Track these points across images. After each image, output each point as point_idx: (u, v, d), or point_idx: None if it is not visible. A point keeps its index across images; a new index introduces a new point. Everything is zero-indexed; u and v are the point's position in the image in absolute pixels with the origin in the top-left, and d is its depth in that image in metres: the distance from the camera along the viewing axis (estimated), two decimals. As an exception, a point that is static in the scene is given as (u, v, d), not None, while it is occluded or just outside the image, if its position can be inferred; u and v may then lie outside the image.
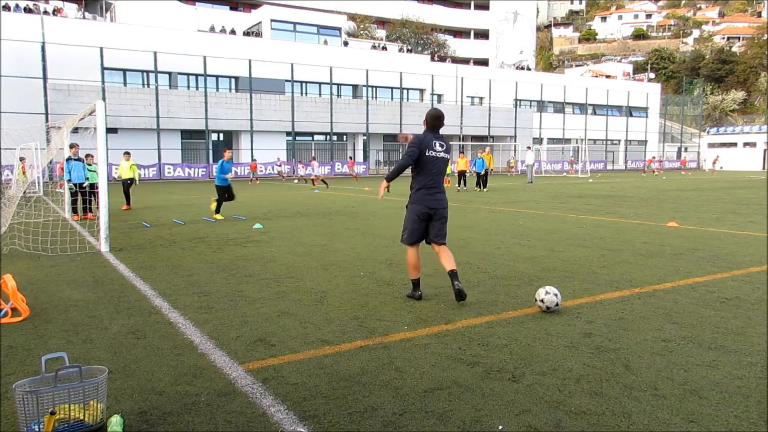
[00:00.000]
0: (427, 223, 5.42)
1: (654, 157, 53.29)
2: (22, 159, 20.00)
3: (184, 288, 6.01)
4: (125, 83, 37.59)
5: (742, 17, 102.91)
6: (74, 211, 13.14)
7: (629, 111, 59.24)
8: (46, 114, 31.66)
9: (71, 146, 13.12)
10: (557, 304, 4.97)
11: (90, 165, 13.40)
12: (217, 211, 12.81)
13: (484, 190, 22.97)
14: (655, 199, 18.33)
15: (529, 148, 32.99)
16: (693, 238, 9.49)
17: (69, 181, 13.07)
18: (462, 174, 23.48)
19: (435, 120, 5.48)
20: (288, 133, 40.10)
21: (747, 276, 6.47)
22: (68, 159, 13.08)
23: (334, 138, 42.44)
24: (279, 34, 44.48)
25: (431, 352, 4.01)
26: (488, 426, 2.92)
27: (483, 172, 23.12)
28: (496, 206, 15.72)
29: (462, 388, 3.39)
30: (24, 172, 19.25)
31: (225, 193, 12.98)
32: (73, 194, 13.07)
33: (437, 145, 5.39)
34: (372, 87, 45.12)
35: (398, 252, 8.14)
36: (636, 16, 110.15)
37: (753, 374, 3.58)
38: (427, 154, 5.35)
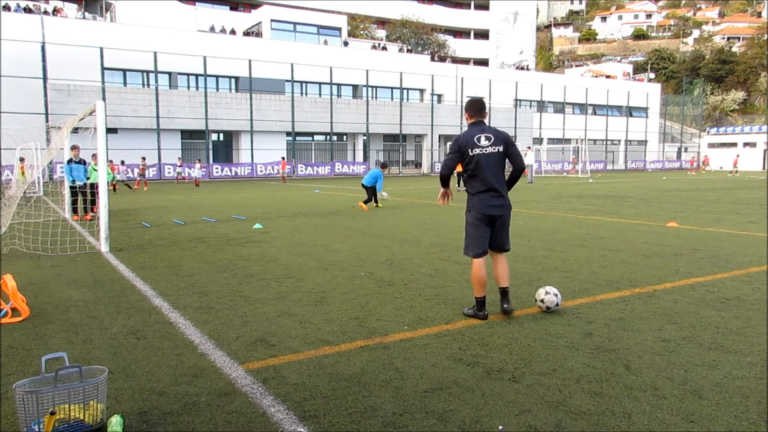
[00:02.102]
0: (490, 231, 4.81)
1: (693, 158, 55.37)
2: (22, 159, 19.99)
3: (184, 288, 6.01)
4: (125, 83, 37.59)
5: (742, 17, 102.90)
6: (74, 211, 13.13)
7: (629, 111, 59.25)
8: (46, 114, 31.66)
9: (72, 148, 13.05)
10: (557, 304, 4.97)
11: (95, 165, 13.32)
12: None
13: None
14: (655, 199, 18.33)
15: (529, 148, 33.02)
16: (693, 238, 9.49)
17: (73, 181, 12.97)
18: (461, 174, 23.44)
19: (473, 109, 4.84)
20: (288, 134, 40.10)
21: (747, 276, 6.47)
22: (69, 161, 13.03)
23: (334, 138, 42.45)
24: (279, 34, 44.49)
25: (431, 352, 4.01)
26: (488, 426, 2.92)
27: None
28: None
29: (462, 388, 3.39)
30: (23, 173, 19.25)
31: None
32: (74, 194, 13.05)
33: (483, 138, 4.70)
34: (372, 87, 45.12)
35: (398, 252, 8.14)
36: (636, 16, 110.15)
37: (753, 374, 3.58)
38: (471, 153, 4.69)
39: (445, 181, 5.06)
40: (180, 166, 33.30)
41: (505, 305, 4.80)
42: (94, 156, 13.24)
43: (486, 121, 4.93)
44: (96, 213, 10.12)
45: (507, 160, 4.82)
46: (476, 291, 4.79)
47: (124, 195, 21.49)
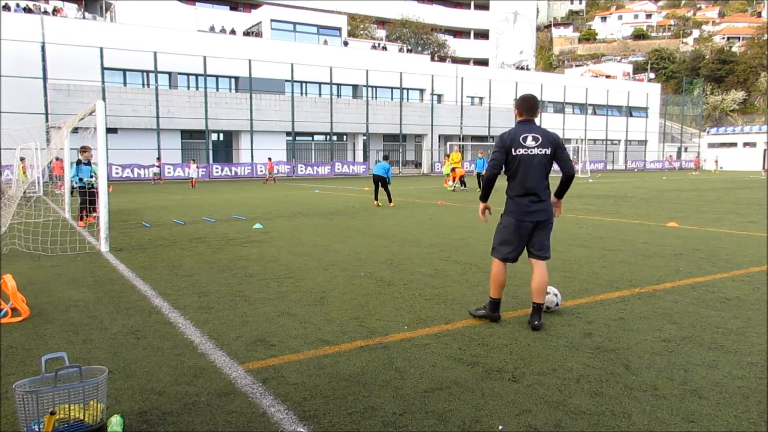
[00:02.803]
0: (527, 237, 4.53)
1: (697, 158, 55.79)
2: (22, 159, 19.99)
3: (184, 288, 6.01)
4: (125, 83, 37.59)
5: (742, 17, 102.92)
6: (80, 218, 12.20)
7: (629, 111, 59.25)
8: (46, 114, 31.66)
9: (84, 150, 12.45)
10: (557, 304, 4.97)
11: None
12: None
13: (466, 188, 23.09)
14: (655, 199, 18.33)
15: None
16: (693, 238, 9.49)
17: (81, 180, 12.46)
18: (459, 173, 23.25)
19: (524, 106, 4.49)
20: (288, 133, 40.10)
21: (747, 276, 6.47)
22: (78, 162, 12.62)
23: (334, 138, 42.45)
24: (279, 34, 44.49)
25: (431, 352, 4.01)
26: (488, 426, 2.92)
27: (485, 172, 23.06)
28: (496, 206, 15.70)
29: (462, 388, 3.39)
30: (24, 172, 19.25)
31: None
32: (83, 195, 12.42)
33: (530, 138, 4.40)
34: (372, 87, 45.11)
35: (398, 252, 8.14)
36: (636, 16, 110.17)
37: (753, 374, 3.58)
38: (514, 152, 4.40)
39: (489, 184, 4.62)
40: (158, 166, 32.72)
41: (536, 321, 4.45)
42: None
43: (537, 120, 4.66)
44: (96, 214, 10.05)
45: (555, 164, 4.54)
46: (492, 291, 4.61)
47: (125, 195, 21.50)
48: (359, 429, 2.90)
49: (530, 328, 4.48)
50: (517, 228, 4.49)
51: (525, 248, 4.61)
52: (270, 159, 33.09)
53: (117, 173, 33.14)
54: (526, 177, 4.41)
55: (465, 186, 23.58)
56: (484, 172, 20.60)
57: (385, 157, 16.85)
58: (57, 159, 20.15)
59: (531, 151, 4.39)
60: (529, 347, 4.10)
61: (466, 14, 69.10)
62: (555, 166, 4.60)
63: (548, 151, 4.42)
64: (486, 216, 4.78)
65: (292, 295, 5.68)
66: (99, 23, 37.99)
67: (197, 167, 30.34)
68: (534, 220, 4.46)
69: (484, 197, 4.72)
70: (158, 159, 33.27)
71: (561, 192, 4.61)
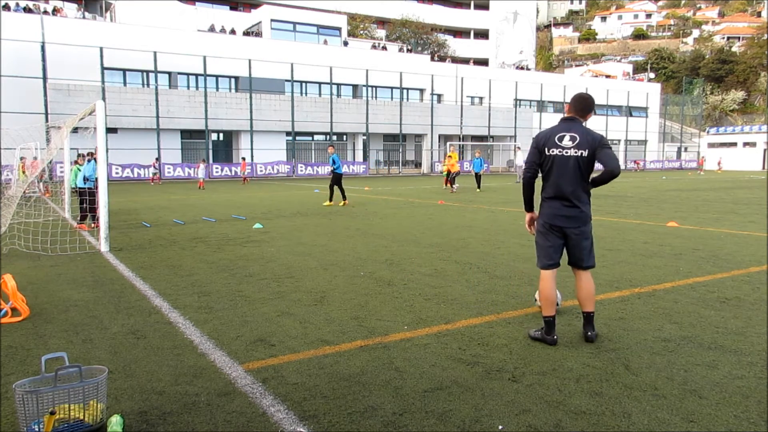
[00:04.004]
0: (561, 242, 4.24)
1: (704, 158, 55.92)
2: (22, 159, 19.97)
3: (184, 288, 6.01)
4: (125, 83, 37.58)
5: (742, 17, 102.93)
6: (82, 219, 11.92)
7: (629, 111, 59.23)
8: (46, 114, 31.65)
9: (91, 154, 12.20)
10: (557, 304, 4.96)
11: (81, 166, 12.63)
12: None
13: (478, 189, 22.77)
14: (655, 199, 18.33)
15: (519, 148, 32.84)
16: (693, 238, 9.49)
17: (85, 180, 12.19)
18: (449, 173, 22.65)
19: (576, 106, 4.22)
20: (288, 133, 40.09)
21: (747, 276, 6.47)
22: (75, 162, 12.42)
23: (334, 138, 42.44)
24: (279, 34, 44.47)
25: (431, 352, 4.01)
26: (488, 426, 2.92)
27: (482, 172, 22.87)
28: (496, 206, 15.72)
29: (462, 388, 3.39)
30: (24, 171, 19.22)
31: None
32: (82, 195, 12.25)
33: (566, 138, 4.09)
34: (372, 87, 45.10)
35: (398, 252, 8.14)
36: (636, 16, 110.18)
37: (753, 374, 3.59)
38: (548, 152, 4.14)
39: (527, 190, 4.33)
40: (155, 166, 32.34)
41: (589, 333, 4.17)
42: (81, 156, 12.51)
43: (586, 122, 4.32)
44: (96, 215, 10.00)
45: (597, 162, 4.15)
46: (543, 309, 4.23)
47: (125, 195, 21.50)
48: (359, 429, 2.90)
49: (584, 339, 4.20)
50: (548, 231, 4.21)
51: (562, 253, 4.31)
52: (243, 159, 33.37)
53: (117, 173, 33.14)
54: (559, 179, 4.11)
55: (454, 186, 22.64)
56: (481, 172, 20.46)
57: (332, 146, 16.86)
58: (25, 158, 19.89)
59: (566, 152, 4.08)
60: (529, 347, 4.10)
61: (466, 14, 69.09)
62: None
63: (585, 153, 4.06)
64: (533, 229, 4.40)
65: (292, 295, 5.68)
66: (99, 23, 37.98)
67: (206, 167, 29.52)
68: (564, 226, 4.15)
69: (528, 206, 4.40)
70: (156, 159, 33.14)
71: (594, 184, 4.19)
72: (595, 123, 56.48)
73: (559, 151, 4.10)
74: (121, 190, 23.96)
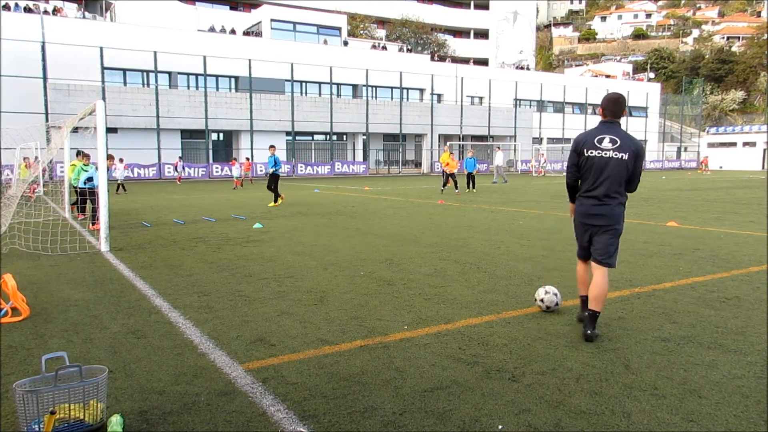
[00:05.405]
0: (588, 238, 4.44)
1: (707, 157, 55.63)
2: (25, 159, 19.97)
3: (184, 288, 6.02)
4: (125, 83, 37.57)
5: (741, 17, 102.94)
6: (82, 210, 12.22)
7: (629, 111, 59.20)
8: (46, 114, 31.65)
9: (109, 157, 11.94)
10: (557, 304, 4.97)
11: (87, 166, 12.70)
12: None
13: (474, 190, 22.53)
14: (655, 198, 18.33)
15: (498, 148, 32.57)
16: (693, 237, 9.50)
17: (89, 180, 12.15)
18: (444, 173, 22.07)
19: (608, 107, 4.31)
20: (288, 133, 40.09)
21: (747, 276, 6.47)
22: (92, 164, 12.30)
23: (334, 138, 42.43)
24: (279, 33, 44.47)
25: (431, 351, 4.02)
26: (488, 426, 2.92)
27: (475, 172, 22.71)
28: (496, 206, 15.72)
29: (462, 387, 3.39)
30: (27, 167, 19.18)
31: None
32: (83, 195, 12.24)
33: (606, 140, 4.22)
34: (372, 87, 45.09)
35: (398, 252, 8.14)
36: (636, 16, 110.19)
37: (753, 374, 3.59)
38: (586, 153, 4.28)
39: (570, 190, 4.57)
40: (175, 165, 32.14)
41: (588, 331, 4.20)
42: (79, 154, 12.40)
43: (622, 122, 4.46)
44: (96, 213, 10.00)
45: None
46: (580, 289, 4.65)
47: (125, 195, 21.51)
48: (359, 429, 2.90)
49: (582, 336, 4.24)
50: (578, 227, 4.50)
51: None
52: (180, 157, 32.85)
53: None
54: (596, 179, 4.25)
55: (445, 186, 22.00)
56: (474, 172, 20.39)
57: (272, 146, 16.76)
58: (28, 158, 19.83)
59: (605, 154, 4.20)
60: (528, 347, 4.10)
61: (466, 14, 69.08)
62: None
63: (625, 156, 4.18)
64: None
65: (291, 294, 5.68)
66: (99, 23, 37.98)
67: (240, 166, 28.87)
68: (593, 224, 4.34)
69: (572, 198, 4.61)
70: (180, 158, 33.13)
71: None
72: (595, 123, 56.45)
73: (598, 153, 4.24)
74: (112, 191, 23.95)
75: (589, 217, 4.34)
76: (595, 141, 4.26)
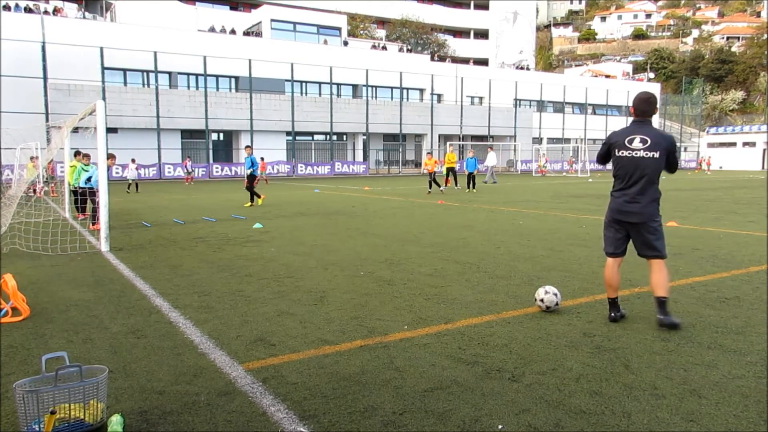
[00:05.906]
0: (626, 234, 4.58)
1: (709, 157, 55.54)
2: (32, 159, 20.00)
3: (184, 287, 6.02)
4: (125, 83, 37.58)
5: (741, 17, 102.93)
6: (83, 210, 12.28)
7: (629, 111, 59.18)
8: (47, 114, 31.65)
9: (110, 156, 11.99)
10: (557, 304, 4.97)
11: (87, 165, 12.72)
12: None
13: (474, 190, 22.46)
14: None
15: (491, 148, 32.57)
16: (693, 237, 9.50)
17: (88, 180, 12.14)
18: (432, 174, 21.47)
19: (638, 107, 4.43)
20: (288, 133, 40.09)
21: (747, 276, 6.47)
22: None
23: (334, 138, 42.44)
24: (279, 34, 44.48)
25: (431, 351, 4.02)
26: (488, 426, 2.92)
27: (476, 172, 22.71)
28: (495, 206, 15.72)
29: (462, 387, 3.39)
30: (34, 167, 19.18)
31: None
32: (83, 195, 12.22)
33: (637, 140, 4.33)
34: (372, 87, 45.09)
35: (398, 252, 8.14)
36: (636, 16, 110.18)
37: (752, 374, 3.59)
38: (617, 153, 4.44)
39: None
40: (185, 165, 31.76)
41: (661, 316, 4.42)
42: (78, 154, 12.37)
43: (653, 120, 4.59)
44: (96, 213, 10.00)
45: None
46: (607, 291, 4.73)
47: (124, 195, 21.51)
48: (359, 428, 2.90)
49: (658, 324, 4.44)
50: (611, 224, 4.60)
51: (628, 245, 4.67)
52: (263, 159, 32.30)
53: (117, 173, 33.13)
54: (629, 179, 4.41)
55: (431, 187, 21.43)
56: (475, 172, 20.49)
57: (248, 146, 16.74)
58: (36, 158, 19.85)
59: (636, 154, 4.34)
60: (528, 347, 4.11)
61: (466, 14, 69.09)
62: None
63: (657, 155, 4.30)
64: None
65: (292, 294, 5.69)
66: (99, 23, 37.98)
67: (264, 165, 28.28)
68: (627, 221, 4.47)
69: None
70: (188, 158, 32.87)
71: None
72: (595, 123, 56.55)
73: (628, 153, 4.39)
74: (121, 190, 23.95)
75: (622, 213, 4.47)
76: (626, 141, 4.40)
